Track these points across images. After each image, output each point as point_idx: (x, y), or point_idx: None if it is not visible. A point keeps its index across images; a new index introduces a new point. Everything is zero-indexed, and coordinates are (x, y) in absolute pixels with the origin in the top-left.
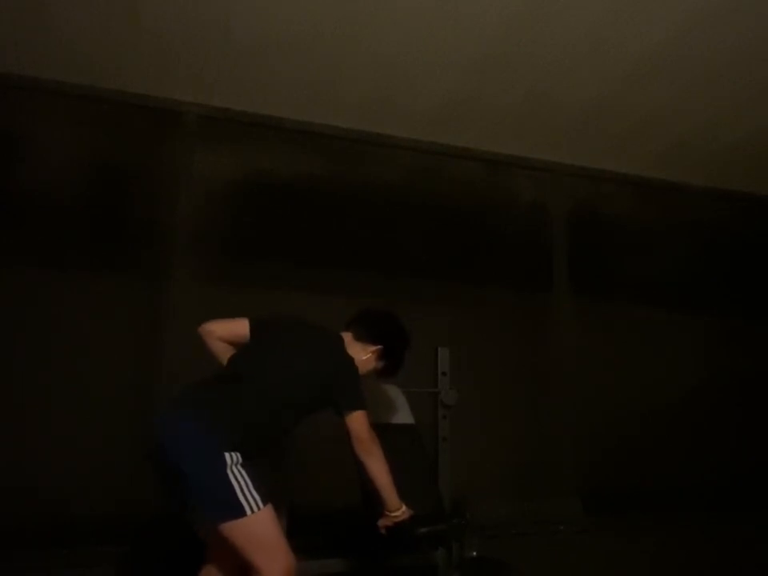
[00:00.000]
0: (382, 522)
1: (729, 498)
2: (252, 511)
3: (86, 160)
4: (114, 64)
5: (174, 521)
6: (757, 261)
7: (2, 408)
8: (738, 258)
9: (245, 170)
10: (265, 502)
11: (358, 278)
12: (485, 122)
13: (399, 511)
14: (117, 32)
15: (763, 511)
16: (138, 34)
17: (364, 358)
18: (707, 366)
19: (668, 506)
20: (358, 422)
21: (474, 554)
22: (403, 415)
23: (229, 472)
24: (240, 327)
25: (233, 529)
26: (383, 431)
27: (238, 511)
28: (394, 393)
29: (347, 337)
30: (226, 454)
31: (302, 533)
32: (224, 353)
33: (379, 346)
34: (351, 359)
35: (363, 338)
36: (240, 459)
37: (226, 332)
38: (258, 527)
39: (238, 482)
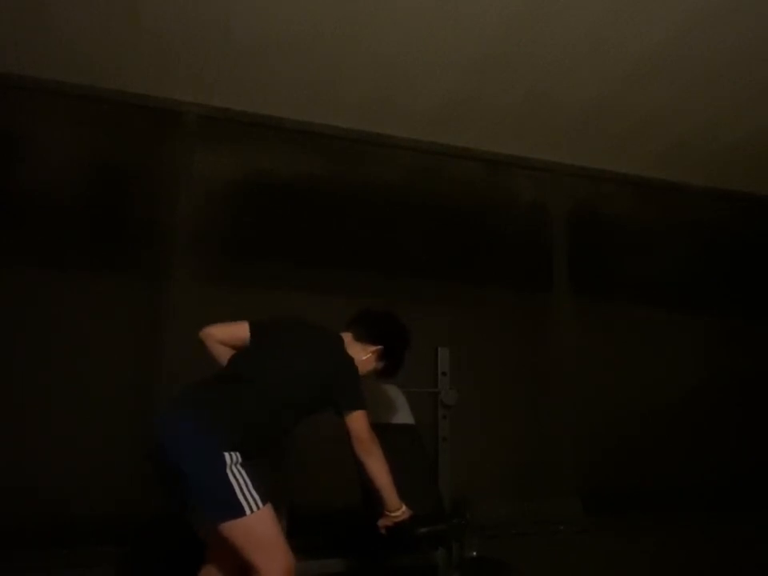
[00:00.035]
0: (381, 522)
1: (729, 498)
2: (251, 511)
3: (85, 160)
4: (114, 64)
5: (174, 521)
6: (757, 261)
7: (2, 408)
8: (738, 258)
9: (245, 170)
10: (264, 502)
11: (357, 277)
12: (485, 121)
13: (399, 511)
14: (117, 32)
15: (763, 511)
16: (138, 34)
17: (364, 358)
18: (707, 366)
19: (668, 505)
20: (357, 421)
21: (474, 554)
22: (403, 415)
23: (228, 472)
24: (240, 330)
25: (232, 528)
26: (383, 431)
27: (238, 511)
28: (394, 393)
29: (347, 337)
30: (226, 454)
31: (302, 533)
32: (224, 356)
33: (379, 346)
34: (351, 359)
35: (363, 338)
36: (240, 459)
37: (227, 335)
38: (257, 527)
39: (238, 482)
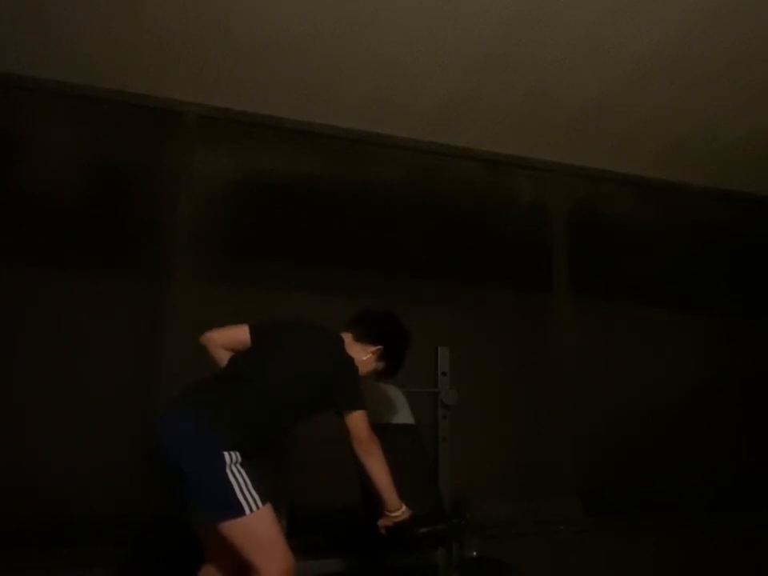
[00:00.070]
0: (381, 522)
1: (729, 498)
2: (251, 510)
3: (86, 160)
4: (114, 64)
5: (174, 521)
6: (757, 261)
7: (2, 408)
8: (738, 258)
9: (245, 170)
10: (264, 501)
11: (357, 278)
12: (485, 121)
13: (399, 511)
14: (117, 32)
15: (763, 511)
16: (138, 34)
17: (364, 358)
18: (707, 366)
19: (668, 505)
20: (357, 422)
21: (474, 554)
22: (403, 415)
23: (228, 471)
24: (241, 334)
25: (232, 528)
26: (383, 431)
27: (237, 510)
28: (394, 393)
29: (347, 337)
30: (225, 453)
31: (302, 533)
32: (226, 360)
33: (379, 347)
34: (351, 359)
35: (363, 338)
36: (239, 458)
37: (228, 339)
38: (257, 526)
39: (237, 481)
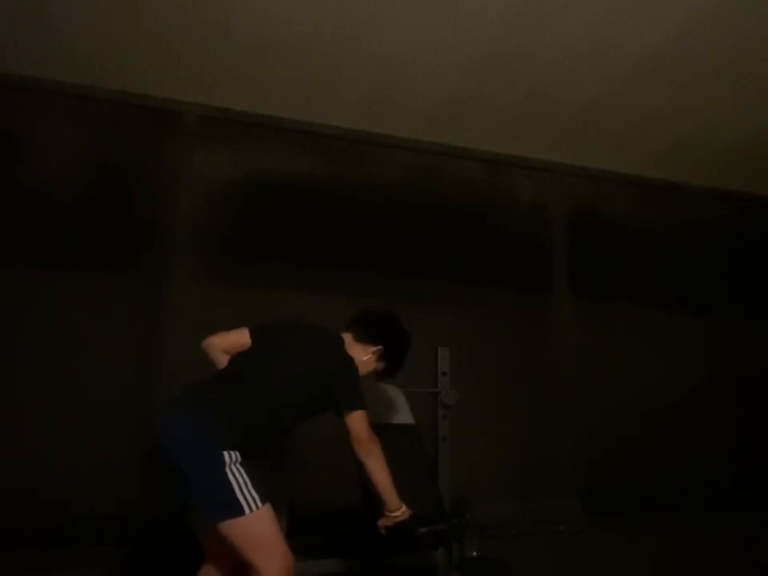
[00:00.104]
0: (381, 522)
1: (729, 498)
2: (251, 510)
3: (86, 160)
4: (114, 64)
5: (174, 521)
6: (757, 261)
7: (2, 408)
8: (738, 258)
9: (245, 170)
10: (263, 501)
11: (357, 278)
12: (485, 121)
13: (399, 511)
14: (117, 32)
15: (763, 511)
16: (138, 34)
17: (364, 358)
18: (707, 366)
19: (668, 505)
20: (357, 421)
21: (474, 554)
22: (403, 415)
23: (228, 471)
24: (241, 337)
25: (231, 528)
26: (383, 431)
27: (237, 510)
28: (394, 393)
29: (347, 338)
30: (225, 453)
31: (302, 533)
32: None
33: (379, 347)
34: (351, 359)
35: (363, 338)
36: (239, 458)
37: (229, 343)
38: (256, 526)
39: (237, 481)
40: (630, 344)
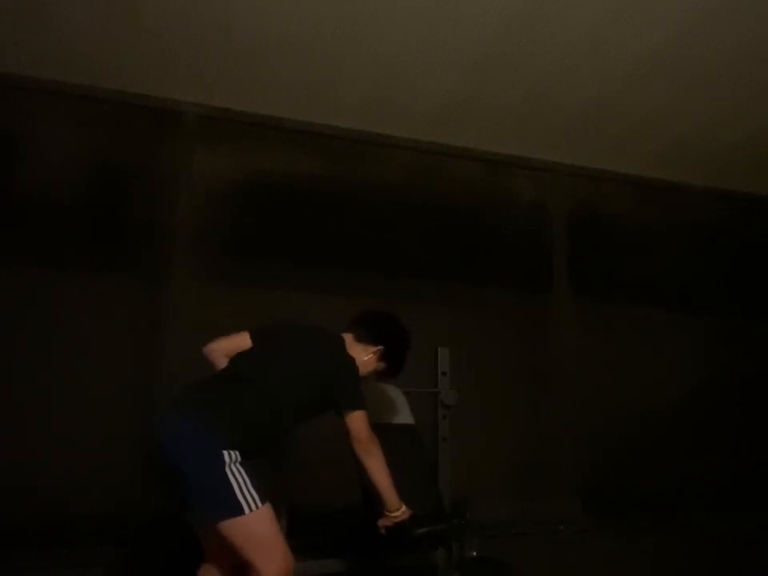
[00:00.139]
0: (381, 522)
1: (729, 498)
2: (250, 509)
3: (86, 160)
4: (114, 64)
5: (174, 521)
6: (757, 261)
7: (2, 408)
8: (738, 258)
9: (245, 170)
10: (263, 501)
11: (357, 277)
12: (485, 122)
13: (399, 511)
14: (117, 32)
15: (763, 511)
16: (138, 34)
17: (365, 358)
18: (707, 366)
19: (668, 505)
20: (357, 422)
21: (474, 554)
22: (403, 415)
23: (227, 470)
24: (242, 340)
25: (231, 527)
26: (383, 431)
27: (237, 509)
28: (394, 393)
29: (348, 338)
30: (225, 453)
31: (302, 533)
32: None
33: (380, 347)
34: (352, 359)
35: (364, 338)
36: (239, 458)
37: (230, 348)
38: (256, 526)
39: (237, 481)
40: (629, 344)
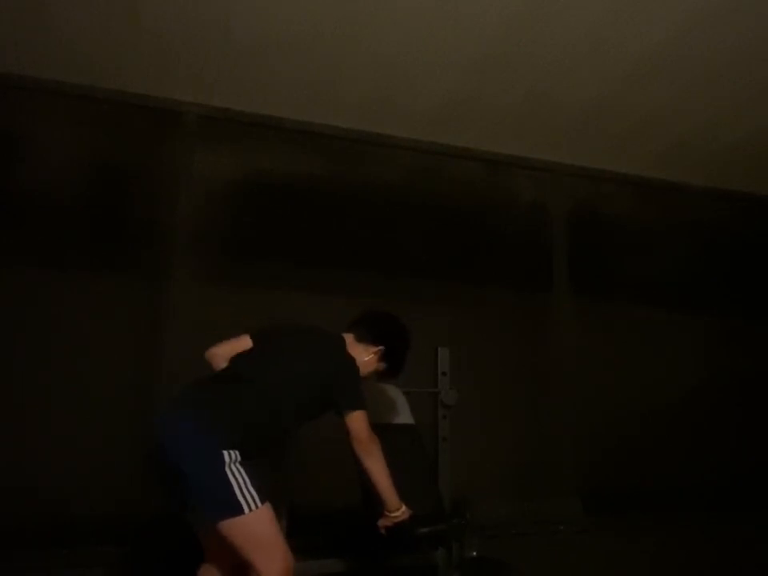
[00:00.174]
0: (381, 523)
1: (729, 498)
2: (250, 509)
3: (86, 160)
4: (114, 64)
5: (174, 521)
6: (757, 261)
7: (2, 408)
8: (738, 257)
9: (245, 169)
10: (263, 501)
11: (357, 278)
12: (485, 121)
13: (399, 511)
14: (117, 32)
15: (763, 511)
16: (138, 34)
17: (366, 359)
18: (707, 366)
19: (668, 505)
20: (357, 422)
21: (474, 554)
22: (403, 415)
23: (227, 470)
24: (243, 343)
25: (231, 527)
26: (383, 431)
27: (237, 509)
28: (394, 393)
29: (349, 338)
30: (224, 452)
31: (302, 533)
32: None
33: (381, 347)
34: (352, 359)
35: (365, 339)
36: (238, 457)
37: (232, 352)
38: (256, 526)
39: (237, 481)
40: (629, 344)
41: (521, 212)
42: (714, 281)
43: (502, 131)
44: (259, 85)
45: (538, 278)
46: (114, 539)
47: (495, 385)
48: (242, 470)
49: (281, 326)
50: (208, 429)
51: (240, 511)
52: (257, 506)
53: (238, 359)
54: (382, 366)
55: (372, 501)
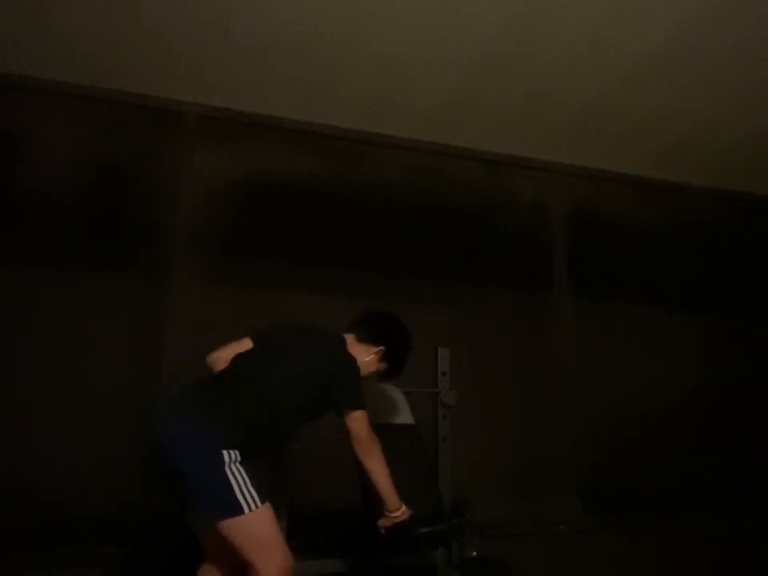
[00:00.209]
0: (381, 523)
1: (729, 498)
2: (250, 509)
3: (86, 160)
4: (114, 64)
5: (174, 521)
6: (757, 261)
7: (2, 408)
8: (738, 257)
9: (245, 170)
10: (263, 501)
11: (357, 278)
12: (485, 121)
13: (399, 511)
14: (117, 32)
15: (763, 511)
16: (138, 34)
17: (367, 359)
18: (707, 366)
19: (668, 505)
20: (357, 422)
21: (474, 554)
22: (403, 415)
23: (227, 470)
24: (244, 346)
25: (231, 527)
26: (383, 431)
27: (236, 509)
28: (395, 393)
29: (350, 338)
30: (224, 452)
31: (302, 533)
32: None
33: (382, 347)
34: (353, 360)
35: (366, 339)
36: (238, 457)
37: (234, 354)
38: (256, 525)
39: (236, 480)
40: (630, 344)
41: (521, 212)
42: (714, 281)
43: (502, 131)
44: (259, 85)
45: (538, 278)
46: (114, 539)
47: (495, 385)
48: (241, 470)
49: (281, 326)
50: (208, 429)
51: (240, 511)
52: (257, 506)
53: (238, 359)
54: (383, 366)
55: (372, 501)
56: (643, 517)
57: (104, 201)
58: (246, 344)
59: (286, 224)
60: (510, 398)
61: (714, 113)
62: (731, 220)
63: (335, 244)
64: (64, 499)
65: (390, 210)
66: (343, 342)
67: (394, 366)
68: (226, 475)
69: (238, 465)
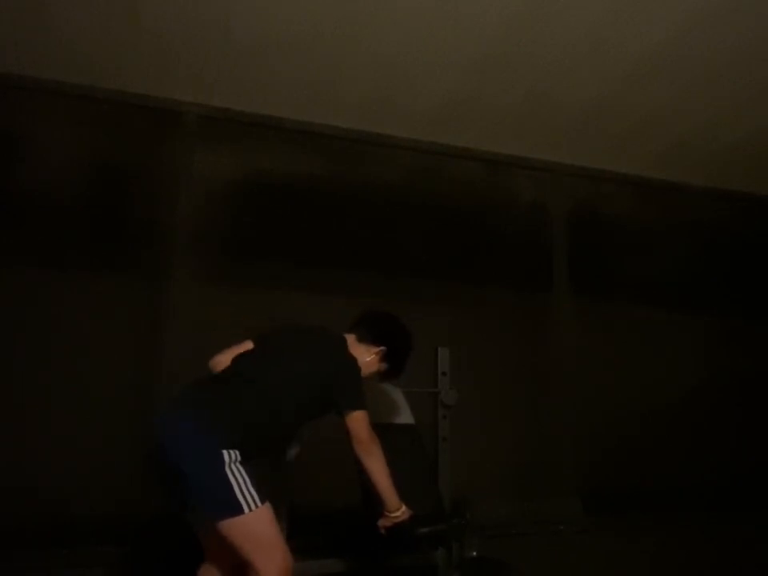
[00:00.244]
0: (381, 523)
1: (729, 498)
2: (250, 509)
3: (86, 160)
4: (114, 64)
5: (174, 521)
6: (757, 261)
7: (2, 408)
8: (738, 257)
9: (245, 170)
10: (263, 501)
11: (357, 278)
12: (485, 121)
13: (399, 511)
14: (117, 32)
15: (763, 511)
16: (138, 34)
17: (368, 359)
18: (707, 366)
19: (668, 505)
20: (357, 422)
21: (474, 554)
22: (403, 415)
23: (227, 470)
24: (245, 348)
25: (231, 527)
26: (383, 431)
27: (236, 509)
28: (395, 393)
29: (350, 338)
30: (224, 452)
31: (302, 533)
32: None
33: (382, 348)
34: (354, 360)
35: (366, 339)
36: (238, 457)
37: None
38: (255, 525)
39: (236, 480)
40: (630, 344)
41: (521, 212)
42: (714, 281)
43: (502, 131)
44: (259, 85)
45: (538, 278)
46: (114, 539)
47: (495, 385)
48: (241, 470)
49: (281, 327)
50: (208, 429)
51: (240, 511)
52: (257, 506)
53: (238, 359)
54: (384, 366)
55: (372, 501)
56: (643, 517)
57: (104, 201)
58: (248, 346)
59: (285, 224)
60: (510, 398)
61: (713, 113)
62: (731, 220)
63: (335, 244)
64: (64, 499)
65: (390, 209)
66: (344, 342)
67: (394, 366)
68: (226, 475)
69: (238, 465)
